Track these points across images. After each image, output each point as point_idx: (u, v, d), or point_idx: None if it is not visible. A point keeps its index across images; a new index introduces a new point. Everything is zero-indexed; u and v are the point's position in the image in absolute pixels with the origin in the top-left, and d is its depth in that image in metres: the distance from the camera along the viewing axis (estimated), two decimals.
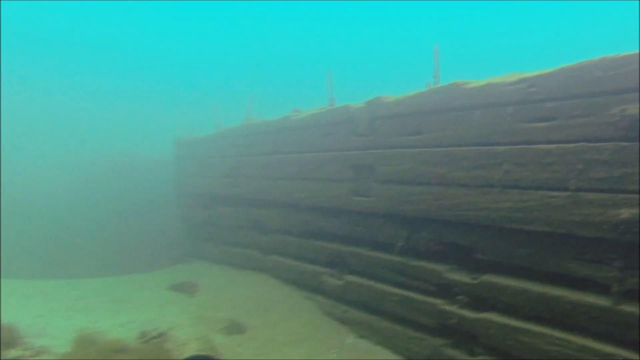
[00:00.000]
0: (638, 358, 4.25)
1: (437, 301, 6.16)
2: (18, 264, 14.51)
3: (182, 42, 50.17)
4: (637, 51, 4.28)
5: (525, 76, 5.12)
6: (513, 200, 5.17)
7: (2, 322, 6.39)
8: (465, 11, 50.65)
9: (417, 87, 6.64)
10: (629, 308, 4.27)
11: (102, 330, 6.87)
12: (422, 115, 6.29)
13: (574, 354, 4.62)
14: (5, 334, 6.18)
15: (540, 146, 4.91)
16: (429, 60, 6.77)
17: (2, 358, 5.75)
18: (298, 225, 9.08)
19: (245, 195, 10.83)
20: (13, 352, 5.96)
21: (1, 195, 16.72)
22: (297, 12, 53.77)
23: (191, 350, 6.13)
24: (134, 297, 9.29)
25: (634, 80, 4.28)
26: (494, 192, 5.38)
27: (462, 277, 5.92)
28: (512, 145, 5.19)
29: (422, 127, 6.29)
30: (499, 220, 5.34)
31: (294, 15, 54.04)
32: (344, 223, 7.86)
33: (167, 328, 7.01)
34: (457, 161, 5.78)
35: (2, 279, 10.09)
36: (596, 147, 4.47)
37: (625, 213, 4.26)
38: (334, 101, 8.42)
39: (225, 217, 11.83)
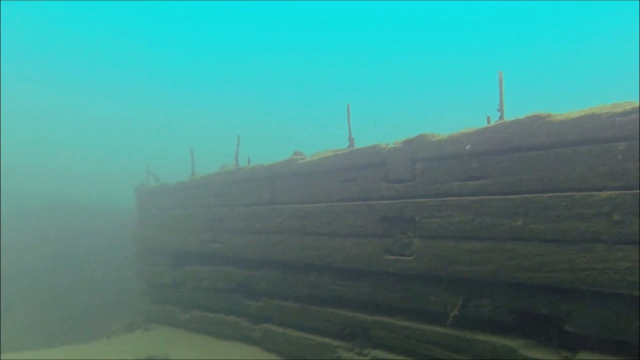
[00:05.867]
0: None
1: None
2: None
3: None
4: None
5: None
6: (632, 259, 4.13)
7: None
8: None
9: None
10: None
11: None
12: (486, 155, 5.25)
13: None
14: None
15: None
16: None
17: None
18: (302, 288, 7.67)
19: (229, 252, 9.32)
20: None
21: None
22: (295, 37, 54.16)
23: None
24: None
25: None
26: (598, 248, 4.34)
27: (545, 356, 4.75)
28: (626, 190, 4.21)
29: (486, 170, 5.24)
30: (607, 283, 4.28)
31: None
32: (370, 287, 6.56)
33: None
34: (540, 210, 4.73)
35: None
36: None
37: None
38: (353, 141, 7.27)
39: (201, 277, 10.18)
